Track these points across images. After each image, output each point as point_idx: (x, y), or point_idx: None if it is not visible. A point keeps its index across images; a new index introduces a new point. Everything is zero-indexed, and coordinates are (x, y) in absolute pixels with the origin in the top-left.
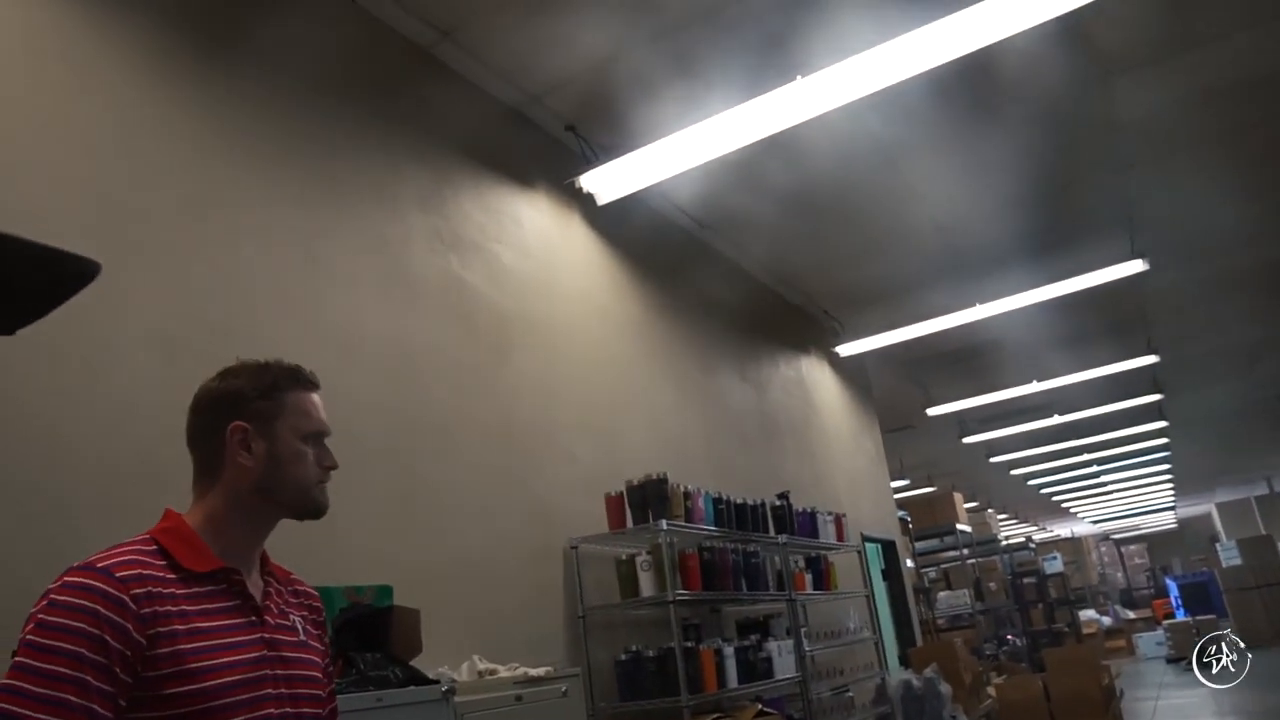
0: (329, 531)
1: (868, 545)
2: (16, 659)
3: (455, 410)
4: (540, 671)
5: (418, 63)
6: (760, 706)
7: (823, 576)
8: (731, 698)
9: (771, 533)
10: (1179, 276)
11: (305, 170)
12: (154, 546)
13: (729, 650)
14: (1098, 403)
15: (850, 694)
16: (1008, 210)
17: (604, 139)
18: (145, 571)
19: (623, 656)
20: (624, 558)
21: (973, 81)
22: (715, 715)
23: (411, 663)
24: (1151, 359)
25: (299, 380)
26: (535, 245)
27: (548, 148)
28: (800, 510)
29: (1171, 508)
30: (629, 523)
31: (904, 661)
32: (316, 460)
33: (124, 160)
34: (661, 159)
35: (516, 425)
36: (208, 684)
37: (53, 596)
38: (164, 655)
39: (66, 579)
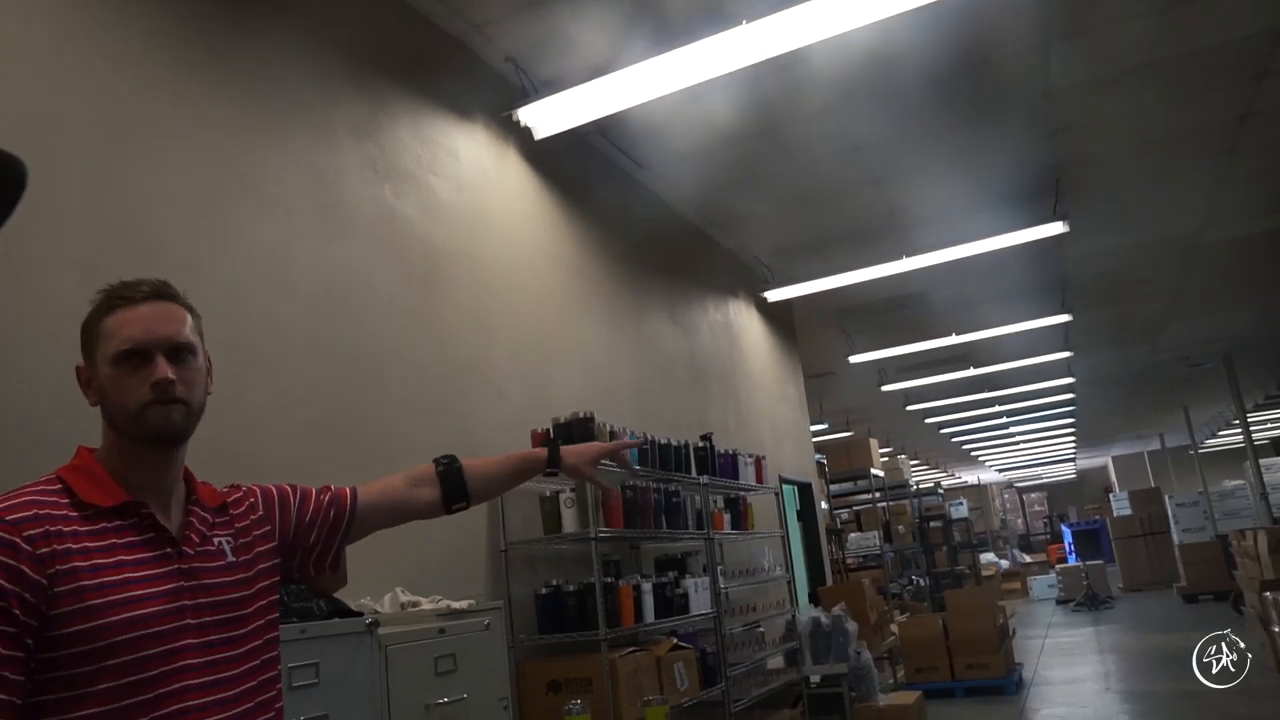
0: (253, 466)
1: (785, 487)
2: None
3: (384, 344)
4: (463, 604)
5: None
6: (675, 641)
7: (741, 517)
8: (648, 632)
9: (693, 473)
10: (1098, 242)
11: (234, 92)
12: (59, 485)
13: (647, 586)
14: (1012, 357)
15: (761, 630)
16: (942, 168)
17: (544, 73)
18: (42, 511)
19: (543, 591)
20: (548, 494)
21: (916, 38)
22: (631, 649)
23: (336, 595)
24: (1065, 318)
25: (116, 299)
26: (470, 178)
27: (487, 79)
28: (722, 452)
29: (1072, 459)
30: None
31: (814, 600)
32: (139, 381)
33: (41, 77)
34: (602, 96)
35: (447, 360)
36: (112, 619)
37: None
38: (65, 593)
39: None
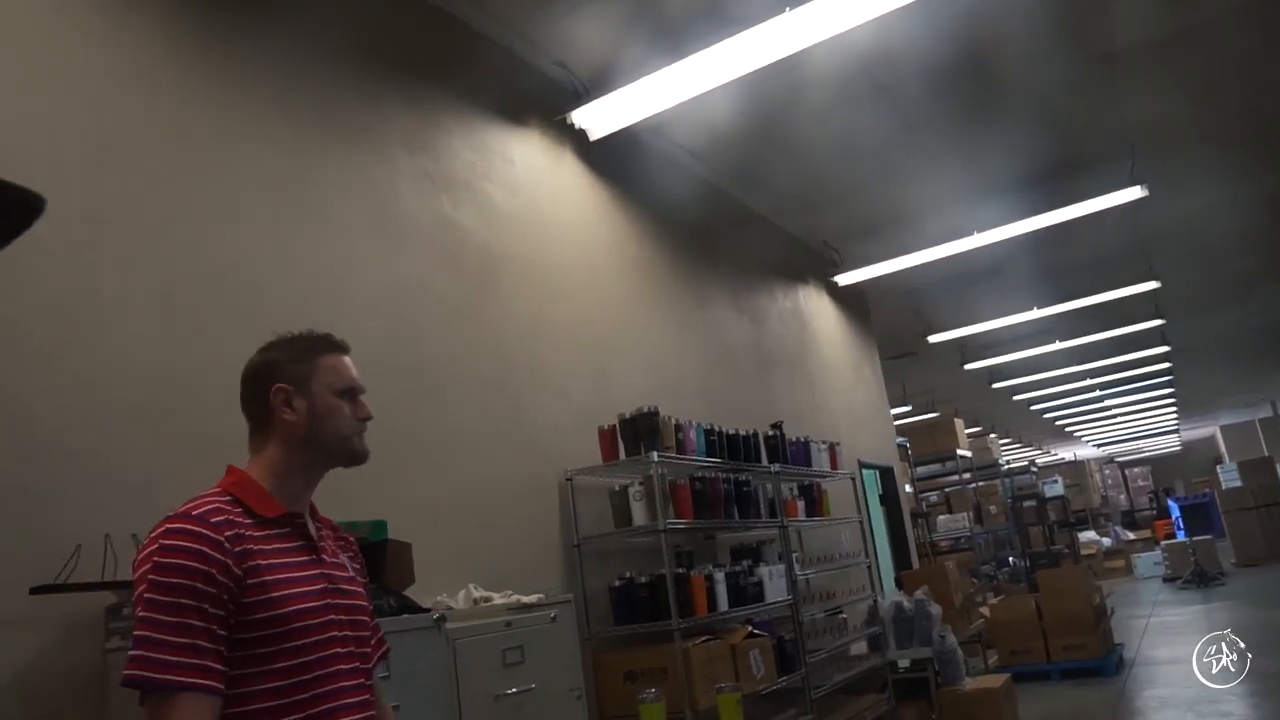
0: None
1: (865, 471)
2: (145, 595)
3: (447, 350)
4: (532, 598)
5: (406, 3)
6: (750, 629)
7: (815, 503)
8: (722, 620)
9: (764, 462)
10: (1180, 203)
11: (294, 115)
12: (229, 497)
13: (719, 575)
14: (1100, 329)
15: (843, 615)
16: (1007, 139)
17: (596, 75)
18: (230, 517)
19: (616, 583)
20: (617, 489)
21: (968, 13)
22: (705, 637)
23: (406, 592)
24: (1153, 285)
25: (329, 344)
26: (526, 183)
27: (539, 84)
28: (793, 440)
29: (1175, 431)
30: (621, 454)
31: (899, 584)
32: (352, 413)
33: (114, 111)
34: (653, 93)
35: (509, 364)
36: (290, 609)
37: (162, 542)
38: (253, 585)
39: (169, 526)
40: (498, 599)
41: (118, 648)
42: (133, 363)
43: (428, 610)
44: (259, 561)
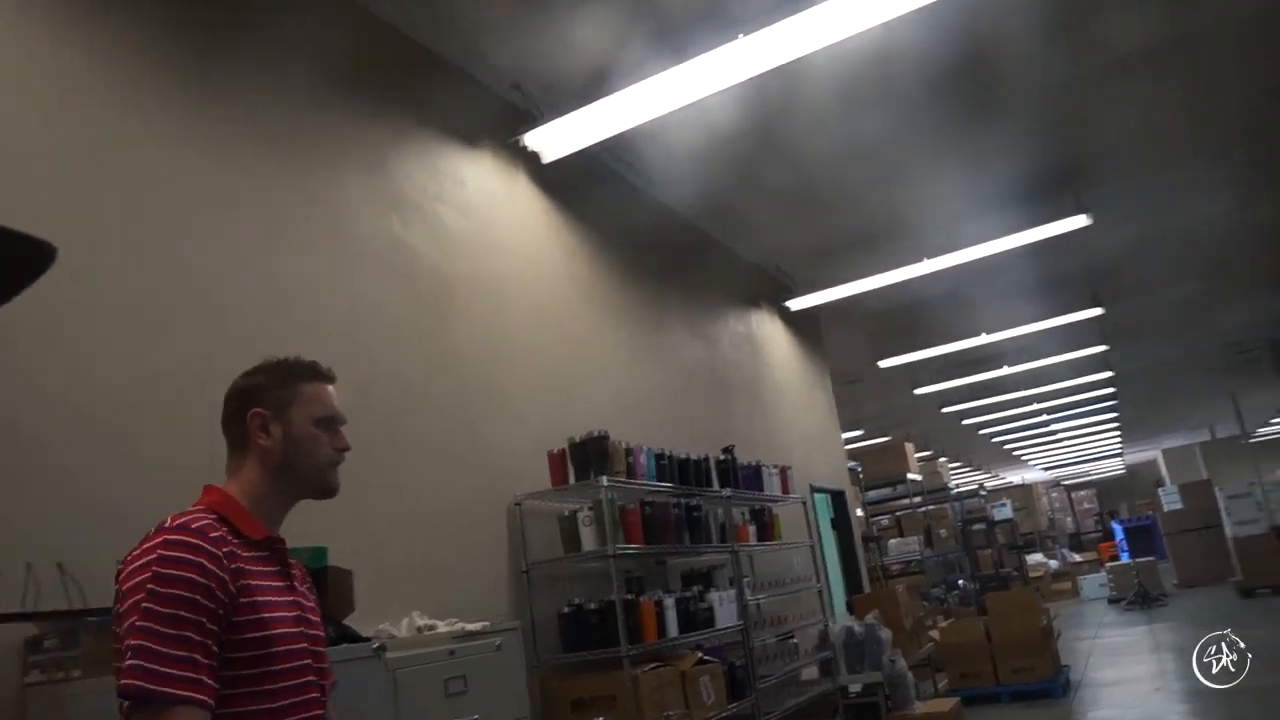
0: None
1: (817, 496)
2: (143, 605)
3: (397, 373)
4: (477, 626)
5: (360, 22)
6: (701, 655)
7: (767, 528)
8: (672, 647)
9: (716, 486)
10: (1124, 232)
11: (251, 131)
12: (215, 515)
13: (669, 601)
14: (1046, 354)
15: (794, 640)
16: (956, 166)
17: (551, 97)
18: (224, 534)
19: (565, 609)
20: (566, 513)
21: (918, 39)
22: (655, 664)
23: (346, 620)
24: (1097, 311)
25: (313, 372)
26: (478, 205)
27: (492, 106)
28: (745, 464)
29: (1119, 454)
30: (571, 479)
31: (850, 608)
32: (330, 443)
33: (69, 125)
34: (608, 116)
35: (464, 386)
36: (274, 632)
37: (162, 553)
38: (245, 605)
39: (170, 537)
40: (442, 627)
41: (37, 682)
42: (92, 382)
43: (368, 639)
44: (250, 582)
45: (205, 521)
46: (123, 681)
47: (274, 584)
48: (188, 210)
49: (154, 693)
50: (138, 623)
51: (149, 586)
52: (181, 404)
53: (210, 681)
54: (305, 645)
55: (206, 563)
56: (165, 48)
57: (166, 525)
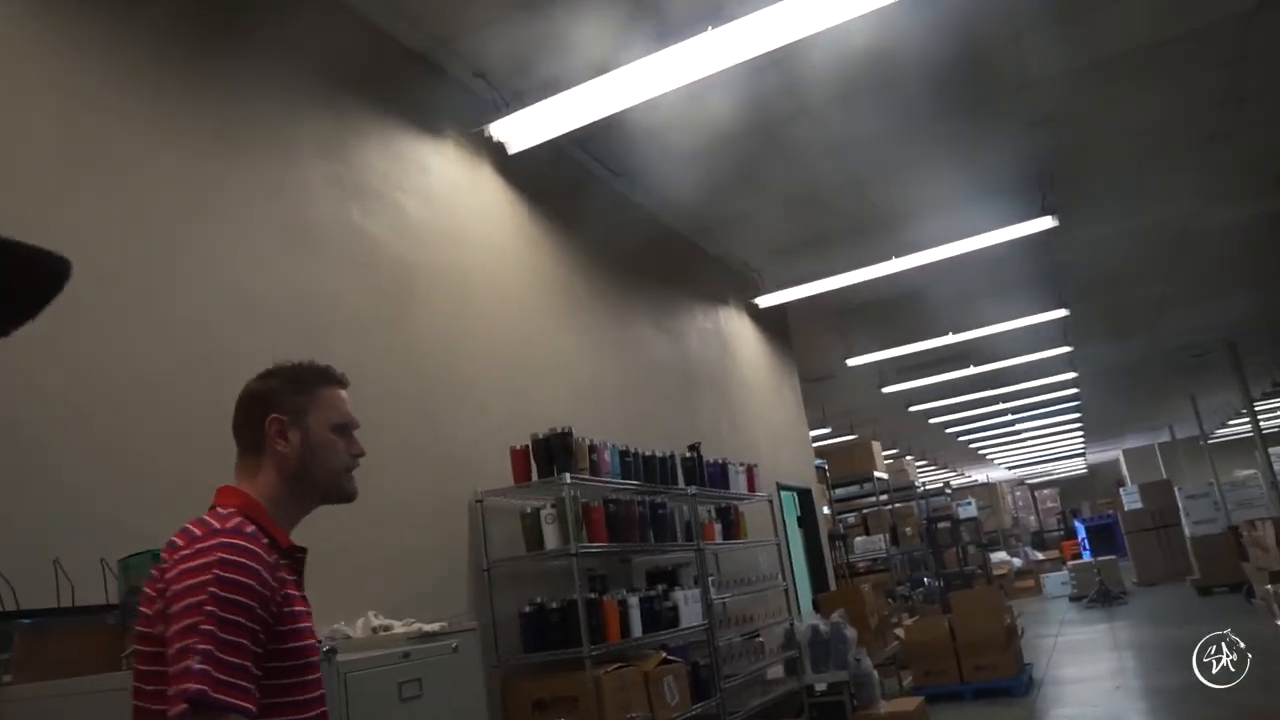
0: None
1: (784, 494)
2: (206, 608)
3: (357, 364)
4: (434, 627)
5: (321, 8)
6: (665, 655)
7: (733, 526)
8: (636, 647)
9: (681, 484)
10: (1089, 234)
11: (196, 114)
12: (253, 525)
13: (633, 600)
14: (1012, 354)
15: (760, 639)
16: (926, 165)
17: (516, 87)
18: (266, 544)
19: (527, 609)
20: (529, 511)
21: (887, 37)
22: (618, 664)
23: None
24: (1062, 313)
25: (329, 378)
26: (442, 194)
27: (457, 95)
28: (711, 461)
29: (1082, 454)
30: (534, 476)
31: (816, 607)
32: (346, 449)
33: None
34: (575, 107)
35: (424, 379)
36: (306, 642)
37: (224, 557)
38: (287, 614)
39: (227, 541)
40: (399, 627)
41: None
42: (10, 366)
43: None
44: (290, 591)
45: (253, 528)
46: (188, 684)
47: (299, 593)
48: (125, 191)
49: (215, 700)
50: (201, 625)
51: (211, 589)
52: (117, 391)
53: (256, 693)
54: (316, 657)
55: (264, 572)
56: (99, 21)
57: (219, 528)
